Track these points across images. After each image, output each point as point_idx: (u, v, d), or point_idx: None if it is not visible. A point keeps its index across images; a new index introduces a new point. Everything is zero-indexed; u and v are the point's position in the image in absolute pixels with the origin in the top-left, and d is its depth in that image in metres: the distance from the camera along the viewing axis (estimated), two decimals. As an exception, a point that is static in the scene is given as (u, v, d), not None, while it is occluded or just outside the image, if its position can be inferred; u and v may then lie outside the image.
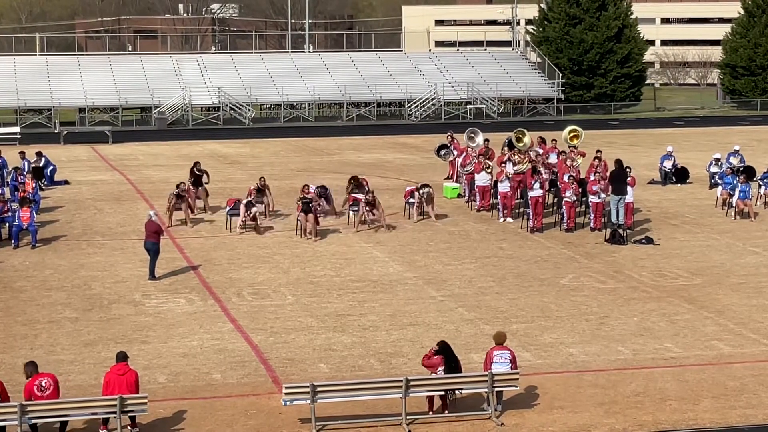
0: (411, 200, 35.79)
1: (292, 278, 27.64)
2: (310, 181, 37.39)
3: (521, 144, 37.83)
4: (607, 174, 33.90)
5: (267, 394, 19.08)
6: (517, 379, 18.08)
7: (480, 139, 40.02)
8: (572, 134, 39.00)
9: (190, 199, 35.06)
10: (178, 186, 34.51)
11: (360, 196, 34.33)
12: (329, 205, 35.42)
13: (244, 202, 33.58)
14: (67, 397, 17.63)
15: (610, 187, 32.88)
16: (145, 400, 17.03)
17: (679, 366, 20.56)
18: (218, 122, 75.15)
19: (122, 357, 17.47)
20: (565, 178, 33.92)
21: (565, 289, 26.48)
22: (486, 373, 17.84)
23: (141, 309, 24.69)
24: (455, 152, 41.76)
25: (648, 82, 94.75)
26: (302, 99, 78.26)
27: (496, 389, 17.85)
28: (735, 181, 36.73)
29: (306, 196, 32.61)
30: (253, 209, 33.37)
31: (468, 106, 78.85)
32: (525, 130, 39.07)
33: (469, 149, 39.46)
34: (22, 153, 43.54)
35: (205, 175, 37.44)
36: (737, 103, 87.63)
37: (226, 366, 20.59)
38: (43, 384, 17.02)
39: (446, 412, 18.00)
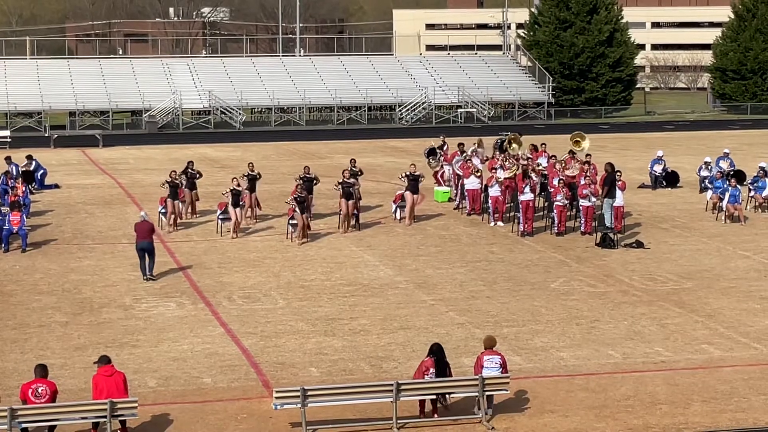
0: (402, 204, 35.76)
1: (282, 282, 27.62)
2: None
3: (512, 148, 37.75)
4: (597, 178, 33.92)
5: (257, 398, 19.06)
6: (508, 383, 18.09)
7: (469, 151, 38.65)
8: (575, 139, 38.65)
9: (182, 203, 35.12)
10: (170, 175, 34.52)
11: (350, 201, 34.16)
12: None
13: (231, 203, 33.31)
14: (57, 402, 17.58)
15: (602, 190, 32.88)
16: (136, 404, 16.99)
17: (669, 370, 20.57)
18: (209, 126, 75.11)
19: (106, 360, 17.41)
20: (555, 182, 33.95)
21: (556, 292, 26.49)
22: (476, 377, 17.85)
23: (131, 313, 24.65)
24: (441, 160, 41.29)
25: (638, 86, 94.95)
26: (293, 103, 78.28)
27: (487, 393, 17.85)
28: (725, 185, 36.81)
29: (300, 195, 32.33)
30: (237, 210, 33.20)
31: (459, 110, 78.92)
32: (519, 136, 38.89)
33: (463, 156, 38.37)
34: (8, 158, 42.95)
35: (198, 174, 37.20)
36: (727, 107, 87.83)
37: (216, 370, 20.56)
38: (39, 391, 16.92)
39: (435, 416, 18.01)
